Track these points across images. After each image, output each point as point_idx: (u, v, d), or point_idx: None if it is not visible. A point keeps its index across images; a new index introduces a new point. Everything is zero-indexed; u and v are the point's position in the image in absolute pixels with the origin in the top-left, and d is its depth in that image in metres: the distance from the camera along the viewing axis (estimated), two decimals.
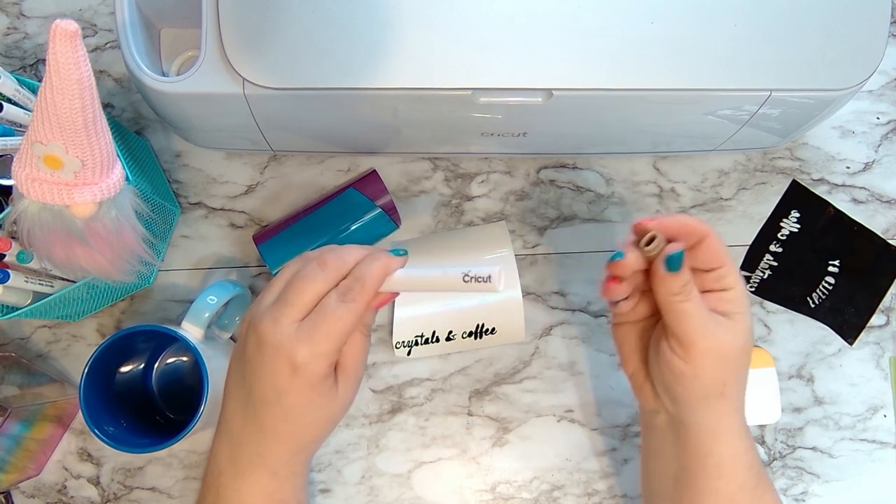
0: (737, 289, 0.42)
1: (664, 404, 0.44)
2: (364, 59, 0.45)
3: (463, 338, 0.56)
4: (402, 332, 0.56)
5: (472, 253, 0.57)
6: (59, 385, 0.56)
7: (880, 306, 0.60)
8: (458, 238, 0.59)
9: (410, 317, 0.56)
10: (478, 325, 0.56)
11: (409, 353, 0.57)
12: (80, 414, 0.55)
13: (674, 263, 0.39)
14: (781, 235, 0.60)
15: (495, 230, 0.59)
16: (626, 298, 0.44)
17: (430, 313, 0.56)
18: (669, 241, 0.40)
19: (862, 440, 0.58)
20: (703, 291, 0.42)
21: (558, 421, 0.58)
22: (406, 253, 0.40)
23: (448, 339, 0.56)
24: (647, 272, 0.42)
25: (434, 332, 0.56)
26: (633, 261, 0.40)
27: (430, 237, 0.59)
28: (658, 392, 0.44)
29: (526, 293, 0.59)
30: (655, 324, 0.44)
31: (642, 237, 0.40)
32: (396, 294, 0.41)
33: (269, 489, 0.41)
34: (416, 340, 0.56)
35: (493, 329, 0.56)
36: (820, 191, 0.61)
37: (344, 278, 0.39)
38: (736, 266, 0.42)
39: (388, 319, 0.58)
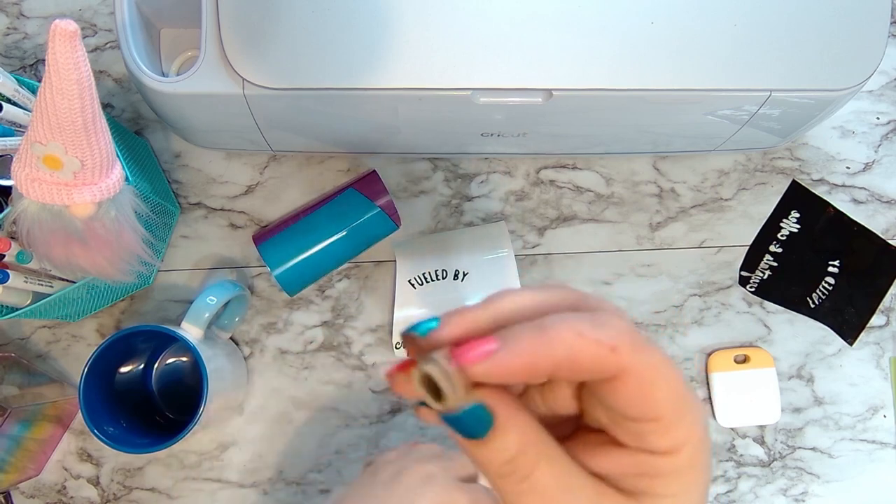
0: (677, 456, 0.21)
1: None
2: (364, 59, 0.45)
3: None
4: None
5: (472, 253, 0.58)
6: (58, 385, 0.56)
7: (880, 306, 0.60)
8: (458, 238, 0.59)
9: (410, 317, 0.56)
10: None
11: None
12: (79, 414, 0.55)
13: (471, 429, 0.20)
14: (781, 235, 0.60)
15: (495, 230, 0.59)
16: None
17: (430, 313, 0.56)
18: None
19: (862, 440, 0.58)
20: (615, 444, 0.22)
21: None
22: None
23: None
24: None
25: None
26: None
27: (430, 237, 0.59)
28: None
29: None
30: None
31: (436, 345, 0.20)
32: None
33: None
34: None
35: None
36: (820, 191, 0.61)
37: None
38: (688, 413, 0.21)
39: (387, 319, 0.58)
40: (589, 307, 0.22)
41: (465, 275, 0.57)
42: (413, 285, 0.57)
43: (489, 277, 0.57)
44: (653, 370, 0.20)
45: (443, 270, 0.57)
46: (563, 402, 0.23)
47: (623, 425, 0.22)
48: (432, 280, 0.57)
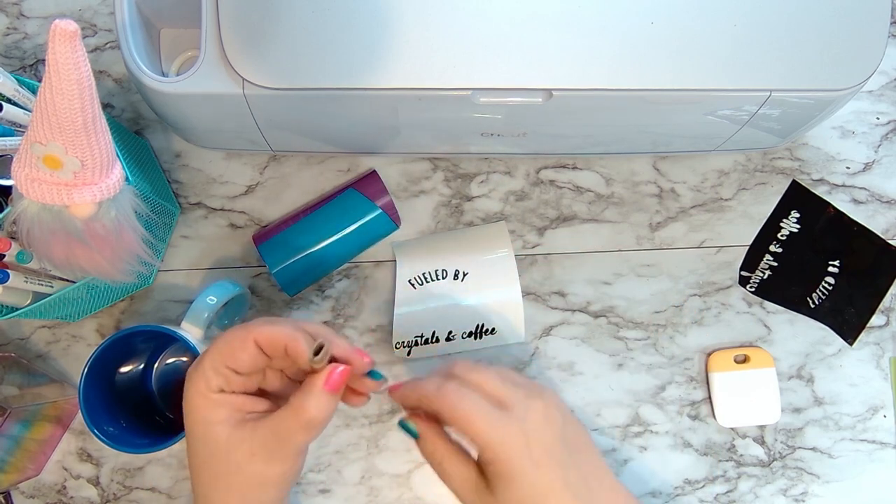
0: (496, 462, 0.36)
1: None
2: (364, 59, 0.45)
3: (463, 338, 0.56)
4: (401, 332, 0.56)
5: (472, 253, 0.58)
6: (58, 385, 0.56)
7: (880, 306, 0.60)
8: (458, 238, 0.59)
9: (410, 317, 0.56)
10: (478, 326, 0.56)
11: (408, 354, 0.56)
12: (79, 414, 0.55)
13: (411, 434, 0.39)
14: (781, 235, 0.60)
15: (495, 230, 0.59)
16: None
17: (430, 313, 0.56)
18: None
19: (862, 440, 0.58)
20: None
21: None
22: (381, 377, 0.40)
23: (448, 339, 0.56)
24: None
25: (434, 332, 0.56)
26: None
27: (430, 237, 0.59)
28: None
29: (526, 293, 0.59)
30: None
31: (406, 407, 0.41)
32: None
33: None
34: (416, 340, 0.56)
35: (493, 329, 0.56)
36: (820, 191, 0.61)
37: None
38: (512, 411, 0.37)
39: (387, 319, 0.58)
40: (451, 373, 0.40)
41: (465, 275, 0.57)
42: (413, 285, 0.57)
43: (489, 277, 0.57)
44: (458, 413, 0.37)
45: (443, 270, 0.57)
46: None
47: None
48: (432, 280, 0.57)
